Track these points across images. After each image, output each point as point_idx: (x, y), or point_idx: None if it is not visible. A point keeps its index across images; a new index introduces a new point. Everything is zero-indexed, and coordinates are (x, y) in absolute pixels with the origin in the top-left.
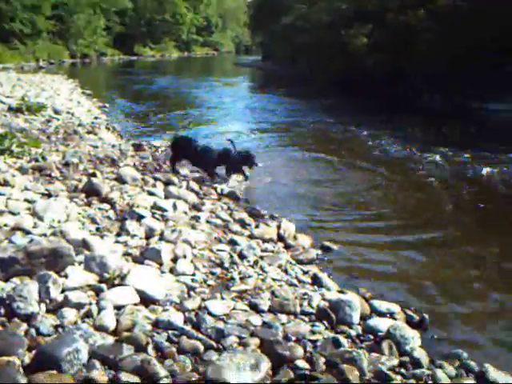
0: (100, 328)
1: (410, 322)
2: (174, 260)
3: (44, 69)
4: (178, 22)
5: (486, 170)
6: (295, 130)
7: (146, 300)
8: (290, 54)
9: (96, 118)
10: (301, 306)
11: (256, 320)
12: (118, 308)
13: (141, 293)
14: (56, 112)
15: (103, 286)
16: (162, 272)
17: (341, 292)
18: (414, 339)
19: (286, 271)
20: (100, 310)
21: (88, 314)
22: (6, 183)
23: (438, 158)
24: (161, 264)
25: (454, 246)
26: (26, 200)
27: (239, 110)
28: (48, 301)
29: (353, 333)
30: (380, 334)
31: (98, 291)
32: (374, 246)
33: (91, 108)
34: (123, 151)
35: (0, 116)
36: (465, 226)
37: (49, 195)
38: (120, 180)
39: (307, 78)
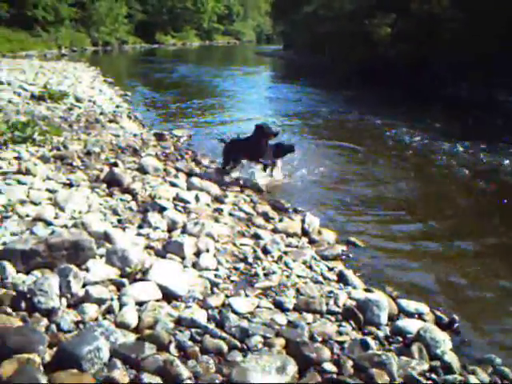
0: (121, 325)
1: (439, 323)
2: (197, 254)
3: (66, 56)
4: (200, 10)
5: None
6: (316, 121)
7: (169, 296)
8: (311, 43)
9: (118, 106)
10: (327, 304)
11: (281, 319)
12: (140, 304)
13: (163, 288)
14: (78, 100)
15: (125, 280)
16: (185, 266)
17: (367, 291)
18: (444, 342)
19: (310, 267)
20: (121, 305)
21: (109, 310)
22: (27, 172)
23: (463, 150)
24: (183, 258)
25: (488, 250)
26: (48, 190)
27: (259, 100)
28: (69, 295)
29: (381, 334)
30: (409, 335)
31: (119, 286)
32: (402, 244)
33: (113, 96)
34: (145, 141)
35: (23, 104)
36: (498, 230)
37: (70, 185)
38: (142, 170)
39: (329, 67)
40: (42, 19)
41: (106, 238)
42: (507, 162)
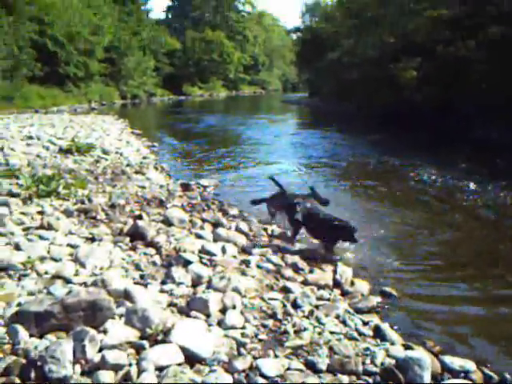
0: None
1: (488, 382)
2: (223, 311)
3: (96, 110)
4: (226, 62)
5: None
6: (341, 165)
7: (192, 358)
8: (336, 90)
9: (144, 157)
10: (363, 363)
11: (314, 381)
12: (160, 369)
13: (186, 350)
14: (105, 152)
15: (145, 342)
16: (210, 325)
17: (407, 347)
18: None
19: (344, 322)
20: (140, 371)
21: (127, 377)
22: (50, 227)
23: (499, 195)
24: (208, 315)
25: None
26: (69, 245)
27: (285, 147)
28: (83, 361)
29: None
30: None
31: (138, 349)
32: (440, 294)
33: (140, 147)
34: (171, 191)
35: (50, 157)
36: None
37: (92, 239)
38: (167, 222)
39: (355, 113)
40: (73, 75)
41: (126, 296)
42: None
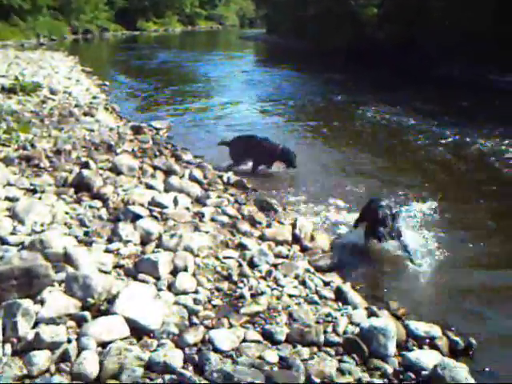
0: (78, 376)
1: (454, 349)
2: (174, 273)
3: (45, 45)
4: None
5: None
6: (302, 106)
7: (138, 331)
8: (295, 26)
9: (95, 97)
10: (325, 332)
11: (271, 356)
12: (103, 345)
13: (132, 322)
14: (52, 92)
15: (86, 314)
16: (159, 289)
17: (371, 313)
18: (467, 380)
19: (304, 283)
20: (80, 349)
21: (64, 357)
22: None
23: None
24: (158, 278)
25: (493, 246)
26: (8, 198)
27: (242, 85)
28: (15, 339)
29: (389, 370)
30: (424, 372)
31: (79, 322)
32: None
33: (90, 87)
34: (121, 135)
35: None
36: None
37: (34, 191)
38: (115, 170)
39: (314, 51)
40: (18, 8)
41: (66, 259)
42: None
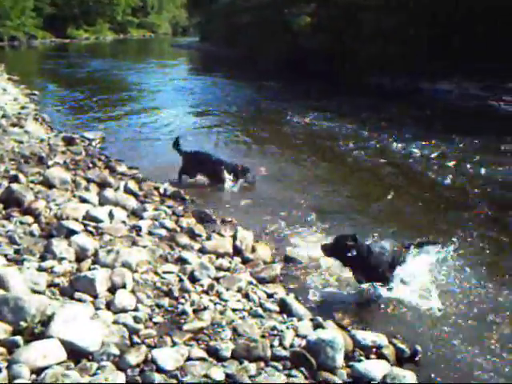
0: None
1: (400, 356)
2: (112, 290)
3: None
4: (113, 3)
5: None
6: (234, 114)
7: (76, 354)
8: (229, 34)
9: (23, 107)
10: (271, 347)
11: (218, 373)
12: (38, 372)
13: (69, 345)
14: None
15: (18, 339)
16: (97, 308)
17: (316, 325)
18: None
19: (247, 296)
20: (11, 378)
21: None
22: None
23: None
24: (95, 297)
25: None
26: None
27: (175, 94)
28: None
29: (338, 382)
30: (373, 383)
31: (10, 348)
32: None
33: (18, 96)
34: (52, 146)
35: None
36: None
37: None
38: (47, 184)
39: (247, 59)
40: None
41: None
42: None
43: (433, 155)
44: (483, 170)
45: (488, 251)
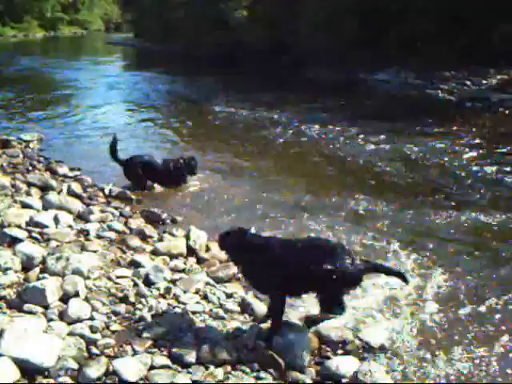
0: None
1: (367, 350)
2: (64, 299)
3: None
4: None
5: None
6: (168, 108)
7: (31, 371)
8: (163, 30)
9: None
10: (237, 349)
11: (184, 380)
12: None
13: (21, 362)
14: None
15: None
16: (50, 320)
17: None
18: (386, 381)
19: (206, 297)
20: None
21: None
22: None
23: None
24: (46, 307)
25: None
26: None
27: (109, 91)
28: None
29: (308, 381)
30: (344, 380)
31: None
32: None
33: None
34: None
35: None
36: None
37: None
38: None
39: (183, 54)
40: None
41: None
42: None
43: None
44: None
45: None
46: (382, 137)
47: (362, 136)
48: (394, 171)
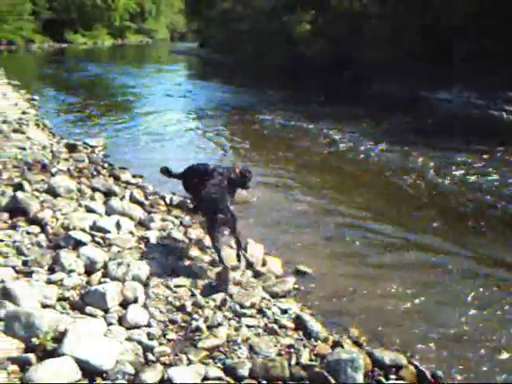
0: None
1: (421, 379)
2: (124, 305)
3: None
4: (110, 8)
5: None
6: (233, 120)
7: (91, 372)
8: (228, 41)
9: (24, 112)
10: (289, 366)
11: None
12: None
13: (82, 363)
14: None
15: (31, 356)
16: (109, 323)
17: (335, 343)
18: None
19: (261, 311)
20: None
21: None
22: None
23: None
24: (106, 311)
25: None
26: None
27: (174, 99)
28: None
29: None
30: None
31: (23, 366)
32: (359, 270)
33: (18, 101)
34: (55, 153)
35: None
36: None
37: None
38: (52, 192)
39: (246, 65)
40: None
41: (4, 294)
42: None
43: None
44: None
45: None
46: (448, 159)
47: (423, 158)
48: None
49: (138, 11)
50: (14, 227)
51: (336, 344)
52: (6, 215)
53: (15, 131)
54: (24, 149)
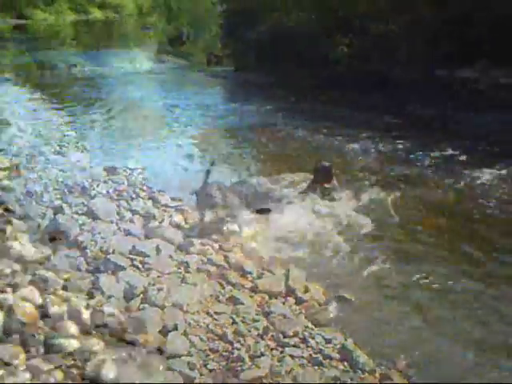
0: None
1: None
2: (163, 332)
3: None
4: None
5: None
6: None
7: None
8: (263, 61)
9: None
10: None
11: None
12: None
13: None
14: (20, 129)
15: None
16: (149, 352)
17: (382, 375)
18: None
19: (305, 341)
20: None
21: None
22: None
23: None
24: (146, 340)
25: None
26: None
27: (214, 117)
28: None
29: None
30: None
31: None
32: (403, 296)
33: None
34: (94, 176)
35: None
36: None
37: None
38: (91, 215)
39: (286, 86)
40: None
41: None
42: None
43: None
44: None
45: None
46: None
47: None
48: None
49: None
50: (54, 251)
51: (384, 376)
52: (46, 238)
53: (55, 153)
54: (63, 171)
